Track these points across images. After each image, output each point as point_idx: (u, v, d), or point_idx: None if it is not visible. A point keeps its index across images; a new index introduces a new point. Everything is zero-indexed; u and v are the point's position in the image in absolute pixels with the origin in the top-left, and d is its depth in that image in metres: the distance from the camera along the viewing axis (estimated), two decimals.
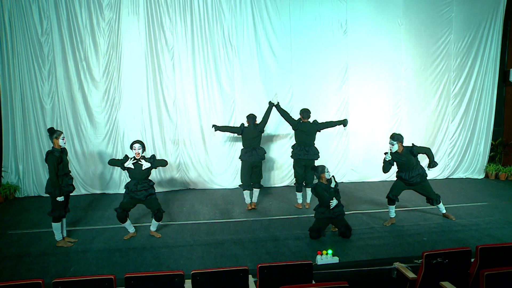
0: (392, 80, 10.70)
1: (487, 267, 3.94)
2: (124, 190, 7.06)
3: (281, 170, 10.61)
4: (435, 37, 10.69)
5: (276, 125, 10.26)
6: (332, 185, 6.99)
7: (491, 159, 11.45)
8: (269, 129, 10.09)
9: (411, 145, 7.66)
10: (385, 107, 10.77)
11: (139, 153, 6.91)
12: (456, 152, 11.15)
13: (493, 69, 10.98)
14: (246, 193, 8.67)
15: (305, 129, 8.44)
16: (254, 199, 8.74)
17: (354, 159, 10.87)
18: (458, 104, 11.03)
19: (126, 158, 6.97)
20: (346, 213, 7.32)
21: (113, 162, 7.11)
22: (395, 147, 7.50)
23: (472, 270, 4.52)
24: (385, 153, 7.63)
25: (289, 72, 10.28)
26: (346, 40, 10.40)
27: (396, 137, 7.51)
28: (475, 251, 4.55)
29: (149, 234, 7.22)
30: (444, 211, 7.93)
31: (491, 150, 11.37)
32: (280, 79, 10.26)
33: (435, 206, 7.90)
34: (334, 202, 6.86)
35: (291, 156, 8.72)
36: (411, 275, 4.65)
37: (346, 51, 10.42)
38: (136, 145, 6.95)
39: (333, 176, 7.15)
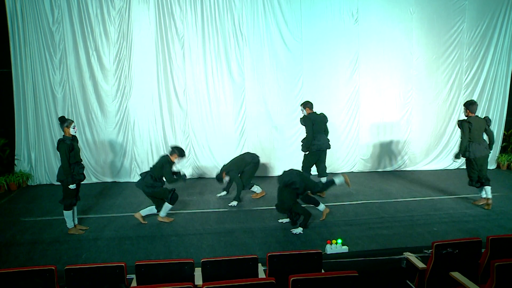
0: (403, 70, 10.61)
1: (497, 258, 3.91)
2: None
3: (290, 159, 10.59)
4: (447, 25, 10.55)
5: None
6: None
7: (503, 150, 11.36)
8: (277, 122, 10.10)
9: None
10: (396, 96, 10.69)
11: None
12: None
13: (507, 58, 10.83)
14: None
15: (318, 119, 8.35)
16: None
17: (364, 149, 10.83)
18: (470, 94, 10.90)
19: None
20: (355, 202, 7.48)
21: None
22: None
23: (483, 261, 4.50)
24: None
25: (300, 61, 10.23)
26: (357, 29, 10.31)
27: None
28: (486, 242, 4.52)
29: (159, 222, 7.27)
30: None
31: (503, 140, 11.27)
32: (291, 68, 10.22)
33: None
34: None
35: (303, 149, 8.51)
36: (420, 265, 4.63)
37: (357, 40, 10.34)
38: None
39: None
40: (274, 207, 7.17)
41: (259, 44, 10.08)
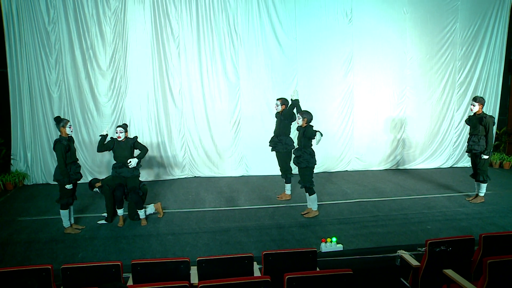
0: (397, 69, 10.68)
1: (490, 255, 3.96)
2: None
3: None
4: (440, 25, 10.64)
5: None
6: None
7: (496, 148, 11.45)
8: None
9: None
10: (390, 96, 10.76)
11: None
12: (461, 141, 11.13)
13: (499, 58, 10.97)
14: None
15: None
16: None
17: (358, 147, 10.88)
18: (464, 93, 11.01)
19: None
20: (350, 201, 7.62)
21: None
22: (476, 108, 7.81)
23: (475, 258, 4.56)
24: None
25: (294, 60, 10.27)
26: (351, 29, 10.36)
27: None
28: (479, 240, 4.58)
29: (154, 221, 7.31)
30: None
31: (496, 139, 11.30)
32: (285, 68, 10.25)
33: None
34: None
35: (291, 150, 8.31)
36: (414, 262, 4.69)
37: (351, 39, 10.39)
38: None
39: None
40: (270, 206, 7.20)
41: (254, 44, 10.11)
